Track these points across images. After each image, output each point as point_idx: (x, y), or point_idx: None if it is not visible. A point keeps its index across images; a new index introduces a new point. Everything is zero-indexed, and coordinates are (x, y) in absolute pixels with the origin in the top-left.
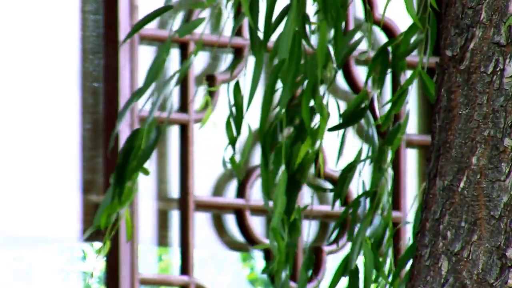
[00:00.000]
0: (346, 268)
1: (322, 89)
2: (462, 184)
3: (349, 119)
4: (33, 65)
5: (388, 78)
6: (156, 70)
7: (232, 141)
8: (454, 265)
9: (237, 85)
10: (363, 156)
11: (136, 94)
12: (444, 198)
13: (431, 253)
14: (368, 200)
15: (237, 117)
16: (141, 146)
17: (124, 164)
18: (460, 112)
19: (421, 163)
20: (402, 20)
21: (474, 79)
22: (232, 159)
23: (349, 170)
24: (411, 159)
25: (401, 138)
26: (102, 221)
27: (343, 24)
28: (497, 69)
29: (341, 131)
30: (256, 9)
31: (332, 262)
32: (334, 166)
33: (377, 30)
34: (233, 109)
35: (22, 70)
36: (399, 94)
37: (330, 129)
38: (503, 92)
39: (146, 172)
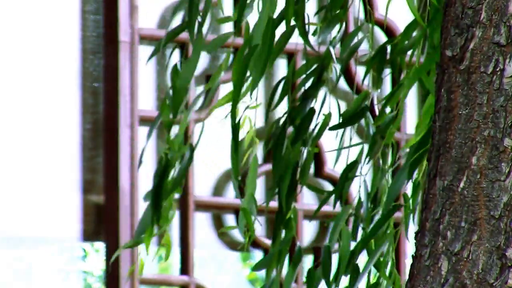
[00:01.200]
0: (348, 266)
1: (323, 90)
2: (462, 184)
3: (349, 118)
4: (34, 65)
5: (388, 79)
6: (184, 88)
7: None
8: (454, 265)
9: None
10: (363, 156)
11: (166, 111)
12: (444, 198)
13: (431, 253)
14: (366, 199)
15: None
16: (175, 165)
17: (159, 185)
18: (460, 112)
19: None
20: (401, 20)
21: (474, 79)
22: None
23: (350, 170)
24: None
25: (393, 132)
26: (147, 243)
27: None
28: (497, 69)
29: (340, 132)
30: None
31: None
32: (333, 165)
33: (376, 29)
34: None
35: (22, 70)
36: (395, 89)
37: (331, 128)
38: (503, 92)
39: (179, 191)
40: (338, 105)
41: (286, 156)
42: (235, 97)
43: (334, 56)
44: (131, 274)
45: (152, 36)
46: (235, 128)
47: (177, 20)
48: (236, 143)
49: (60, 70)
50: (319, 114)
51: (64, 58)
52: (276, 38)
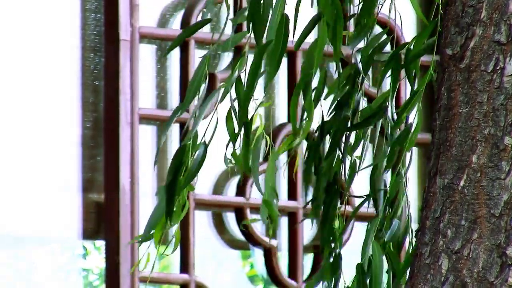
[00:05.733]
0: (367, 271)
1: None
2: (462, 183)
3: (367, 118)
4: (34, 63)
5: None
6: (197, 84)
7: (234, 137)
8: (454, 264)
9: (239, 80)
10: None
11: (179, 109)
12: (444, 197)
13: (431, 252)
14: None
15: (240, 112)
16: (188, 163)
17: (173, 182)
18: (461, 111)
19: (422, 162)
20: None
21: (474, 78)
22: (234, 155)
23: (374, 173)
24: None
25: (414, 140)
26: (156, 238)
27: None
28: (497, 68)
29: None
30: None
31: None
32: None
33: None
34: (235, 104)
35: (23, 69)
36: (412, 95)
37: (350, 128)
38: (503, 90)
39: (191, 188)
40: (361, 104)
41: (325, 167)
42: (247, 93)
43: (360, 65)
44: (133, 271)
45: (153, 35)
46: (247, 125)
47: (177, 20)
48: (247, 140)
49: (61, 68)
50: (352, 121)
51: (64, 57)
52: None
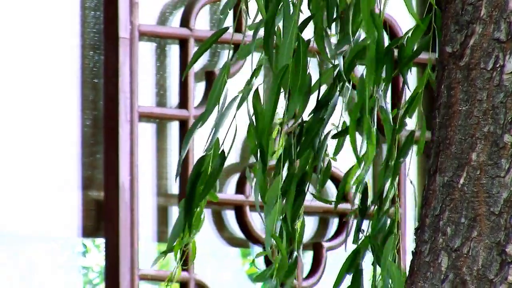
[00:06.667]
0: (352, 265)
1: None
2: (462, 180)
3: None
4: (34, 61)
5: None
6: (218, 92)
7: (254, 151)
8: (454, 261)
9: (256, 94)
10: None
11: (201, 118)
12: (444, 194)
13: (431, 249)
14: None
15: (257, 126)
16: (208, 172)
17: (192, 191)
18: (460, 109)
19: (421, 159)
20: (401, 16)
21: (474, 76)
22: (254, 169)
23: (350, 172)
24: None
25: (422, 148)
26: (176, 249)
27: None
28: (497, 66)
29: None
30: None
31: (331, 258)
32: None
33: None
34: (253, 118)
35: (22, 67)
36: (412, 97)
37: (334, 136)
38: (503, 88)
39: (215, 198)
40: (341, 110)
41: (293, 168)
42: (267, 121)
43: (342, 66)
44: (132, 269)
45: (152, 33)
46: (264, 149)
47: (176, 18)
48: (265, 165)
49: (60, 66)
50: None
51: (64, 55)
52: None
